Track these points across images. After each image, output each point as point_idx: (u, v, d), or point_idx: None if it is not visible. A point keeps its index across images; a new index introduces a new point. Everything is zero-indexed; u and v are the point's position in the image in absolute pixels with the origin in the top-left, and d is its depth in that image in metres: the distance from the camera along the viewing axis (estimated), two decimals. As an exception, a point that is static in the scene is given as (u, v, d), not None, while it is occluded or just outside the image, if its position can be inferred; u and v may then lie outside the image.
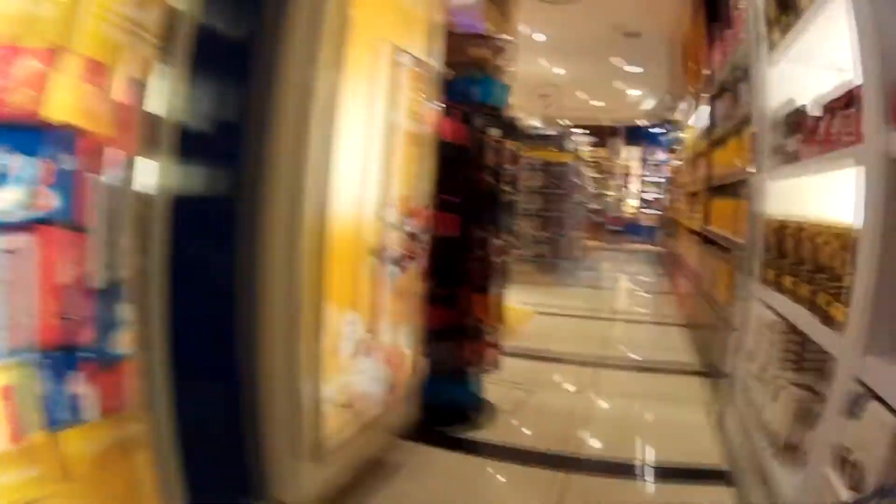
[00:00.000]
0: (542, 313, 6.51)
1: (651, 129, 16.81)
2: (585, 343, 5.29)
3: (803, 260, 1.96)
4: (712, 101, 5.51)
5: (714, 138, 5.28)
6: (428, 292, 2.95)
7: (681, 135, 8.12)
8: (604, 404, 3.88)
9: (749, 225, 2.93)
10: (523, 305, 6.61)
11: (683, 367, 4.68)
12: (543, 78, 11.73)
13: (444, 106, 2.98)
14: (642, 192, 17.17)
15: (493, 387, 3.58)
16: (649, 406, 3.78)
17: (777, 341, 2.14)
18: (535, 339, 5.29)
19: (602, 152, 17.53)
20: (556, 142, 8.80)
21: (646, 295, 8.25)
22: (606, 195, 15.52)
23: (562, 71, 12.72)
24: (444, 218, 3.07)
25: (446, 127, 3.03)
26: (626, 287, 8.87)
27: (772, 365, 2.18)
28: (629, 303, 7.55)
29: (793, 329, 2.04)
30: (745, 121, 3.52)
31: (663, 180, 15.64)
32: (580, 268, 10.60)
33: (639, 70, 12.33)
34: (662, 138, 16.66)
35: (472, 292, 3.27)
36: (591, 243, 14.70)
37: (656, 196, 16.73)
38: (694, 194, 7.07)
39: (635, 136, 17.42)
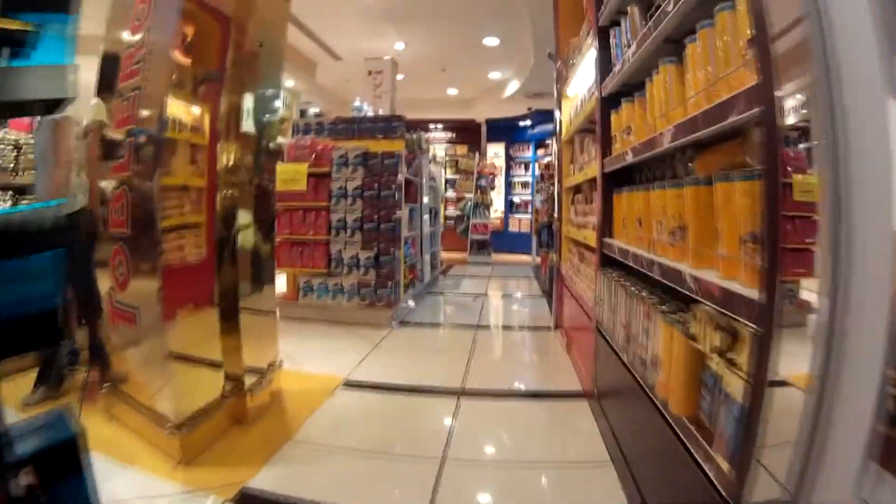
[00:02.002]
0: (350, 385, 4.16)
1: (517, 121, 14.95)
2: (410, 473, 2.93)
3: None
4: (602, 35, 3.45)
5: (614, 89, 3.18)
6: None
7: (556, 115, 6.03)
8: None
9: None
10: (320, 371, 4.28)
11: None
12: (376, 53, 9.42)
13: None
14: (510, 194, 15.30)
15: None
16: None
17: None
18: (305, 465, 2.91)
19: (460, 149, 15.46)
20: (383, 129, 6.46)
21: (522, 338, 6.04)
22: (467, 199, 13.42)
23: (400, 45, 10.42)
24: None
25: None
26: (493, 323, 6.64)
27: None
28: (496, 358, 5.30)
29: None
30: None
31: (533, 179, 13.80)
32: (430, 293, 8.33)
33: (495, 42, 10.26)
34: (530, 132, 14.87)
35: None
36: (450, 257, 12.56)
37: (526, 199, 14.93)
38: (577, 189, 4.98)
39: (499, 130, 15.50)
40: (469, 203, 13.16)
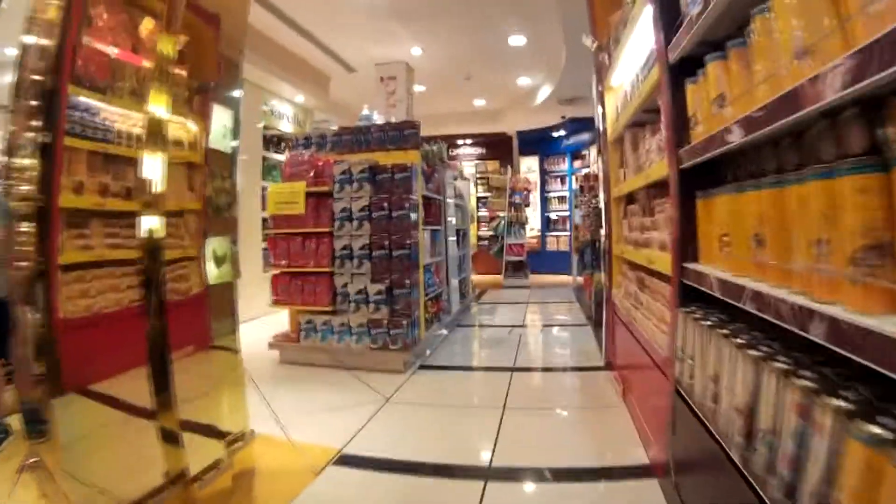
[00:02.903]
0: (346, 461, 3.25)
1: (551, 132, 13.96)
2: None
3: None
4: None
5: (689, 50, 2.22)
6: None
7: (598, 112, 5.09)
8: None
9: None
10: (311, 439, 3.36)
11: None
12: (391, 60, 8.58)
13: None
14: (546, 211, 14.29)
15: None
16: None
17: None
18: None
19: (491, 165, 14.50)
20: (394, 138, 5.56)
21: (567, 383, 5.02)
22: (499, 217, 12.44)
23: (417, 49, 9.55)
24: None
25: None
26: (532, 363, 5.62)
27: None
28: (535, 415, 4.25)
29: None
30: None
31: (571, 193, 12.79)
32: (460, 325, 7.35)
33: (522, 41, 9.32)
34: (565, 142, 13.87)
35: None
36: (483, 280, 11.58)
37: (564, 214, 13.89)
38: (630, 199, 4.04)
39: (531, 142, 14.51)
40: (502, 222, 12.19)
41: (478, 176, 14.34)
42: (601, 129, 5.00)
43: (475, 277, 11.74)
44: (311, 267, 5.35)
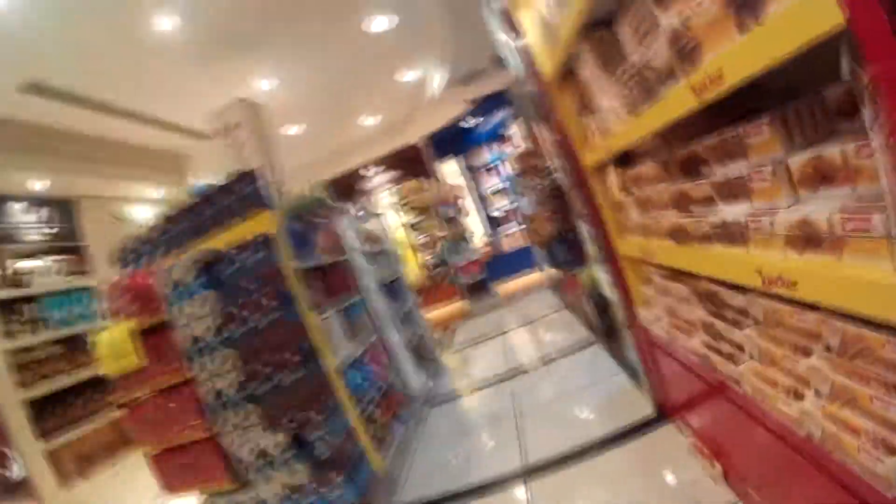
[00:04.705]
0: None
1: (462, 123, 12.24)
2: None
3: None
4: None
5: None
6: None
7: (514, 53, 3.34)
8: None
9: None
10: None
11: None
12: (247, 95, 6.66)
13: None
14: (487, 210, 12.56)
15: None
16: None
17: None
18: None
19: (412, 185, 12.60)
20: (231, 207, 3.69)
21: (614, 473, 3.14)
22: (441, 239, 10.65)
23: (265, 83, 7.63)
24: None
25: None
26: (548, 445, 3.72)
27: None
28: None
29: None
30: None
31: (511, 183, 11.07)
32: (433, 405, 5.45)
33: (387, 23, 7.42)
34: (482, 129, 12.16)
35: None
36: (446, 314, 9.75)
37: (510, 206, 12.23)
38: (623, 159, 2.27)
39: (444, 142, 12.71)
40: (443, 245, 10.40)
41: (403, 202, 12.49)
42: (528, 72, 3.21)
43: (435, 314, 9.89)
44: (183, 435, 3.45)
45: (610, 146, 2.44)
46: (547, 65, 2.92)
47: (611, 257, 3.03)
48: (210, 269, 3.36)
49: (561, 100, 2.95)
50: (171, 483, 3.69)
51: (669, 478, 2.64)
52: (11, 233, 5.81)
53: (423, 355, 6.23)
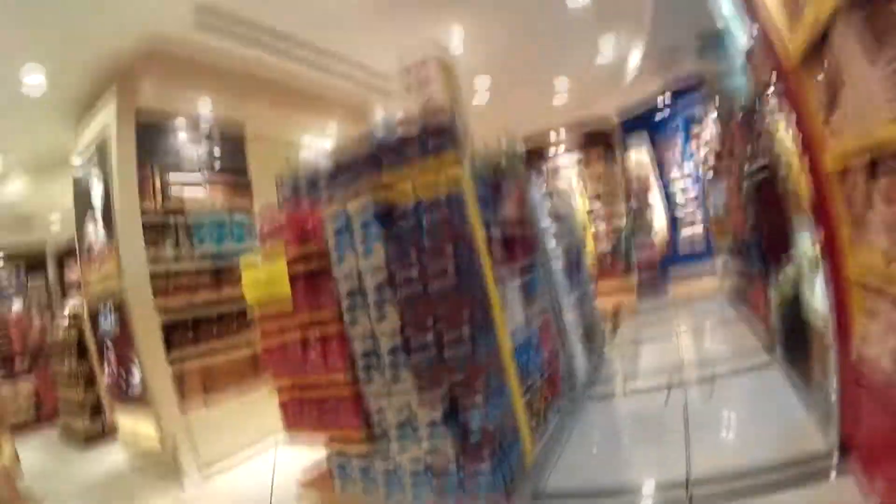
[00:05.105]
0: None
1: (655, 111, 11.48)
2: None
3: None
4: None
5: None
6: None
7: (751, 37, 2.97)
8: None
9: None
10: None
11: None
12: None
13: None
14: (671, 209, 11.75)
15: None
16: None
17: None
18: None
19: (595, 167, 12.02)
20: (417, 151, 3.48)
21: None
22: (619, 229, 10.17)
23: (456, 35, 7.29)
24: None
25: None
26: (718, 465, 3.29)
27: None
28: None
29: None
30: None
31: (699, 180, 10.31)
32: (591, 398, 5.15)
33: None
34: (677, 118, 11.34)
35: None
36: (612, 302, 9.24)
37: (690, 208, 11.38)
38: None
39: (634, 128, 11.91)
40: (623, 234, 9.90)
41: (585, 186, 11.96)
42: (759, 54, 2.81)
43: (602, 306, 9.47)
44: (322, 386, 3.47)
45: (866, 146, 2.03)
46: (787, 45, 2.52)
47: (835, 278, 2.59)
48: (386, 218, 3.24)
49: (800, 87, 2.54)
50: (297, 422, 3.68)
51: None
52: (177, 160, 5.77)
53: (591, 345, 5.92)
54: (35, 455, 6.67)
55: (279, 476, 4.61)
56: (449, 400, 3.07)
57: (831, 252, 2.57)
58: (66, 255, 10.71)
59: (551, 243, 5.11)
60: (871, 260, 2.20)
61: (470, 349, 3.01)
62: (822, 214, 2.59)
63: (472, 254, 3.18)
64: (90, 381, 6.67)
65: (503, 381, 3.24)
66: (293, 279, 3.44)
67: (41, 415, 8.54)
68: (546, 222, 5.16)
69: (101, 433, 6.68)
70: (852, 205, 2.37)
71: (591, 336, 6.08)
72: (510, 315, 3.67)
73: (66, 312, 7.21)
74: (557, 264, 5.18)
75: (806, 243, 2.95)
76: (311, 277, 3.47)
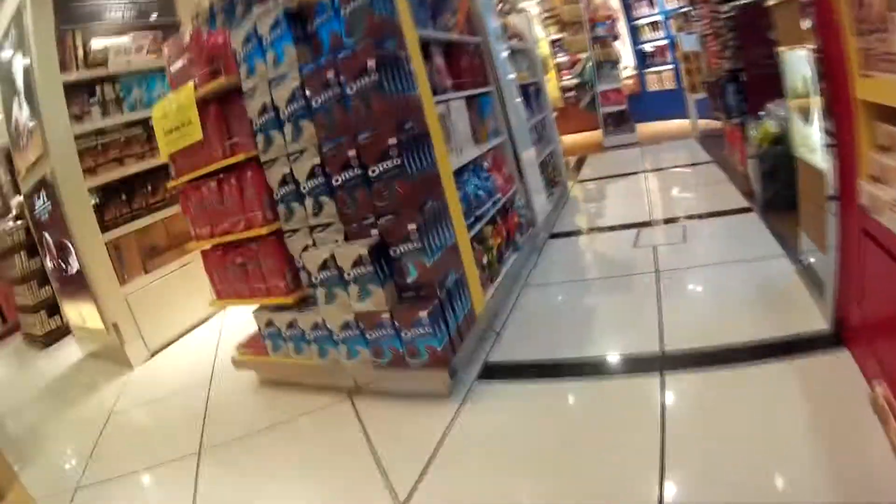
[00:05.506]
0: None
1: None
2: None
3: None
4: None
5: None
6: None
7: None
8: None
9: None
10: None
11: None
12: None
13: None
14: (638, 43, 10.99)
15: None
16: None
17: None
18: None
19: (554, -2, 11.07)
20: None
21: (769, 389, 2.10)
22: (583, 59, 9.47)
23: None
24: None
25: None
26: (690, 329, 2.78)
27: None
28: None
29: None
30: None
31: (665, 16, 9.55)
32: (554, 235, 4.70)
33: None
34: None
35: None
36: (576, 143, 8.74)
37: (662, 43, 10.69)
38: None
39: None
40: (588, 63, 9.21)
41: (545, 15, 11.14)
42: None
43: (566, 140, 8.90)
44: (240, 230, 2.91)
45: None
46: None
47: (840, 101, 1.94)
48: (294, 16, 2.57)
49: None
50: (224, 290, 3.27)
51: (835, 428, 1.77)
52: (95, 9, 4.85)
53: (549, 177, 5.39)
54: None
55: (226, 343, 4.24)
56: (376, 234, 2.52)
57: (834, 69, 1.92)
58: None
59: (504, 58, 4.44)
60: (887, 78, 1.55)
61: (399, 164, 2.42)
62: (822, 18, 1.93)
63: (400, 50, 2.54)
64: (44, 279, 6.16)
65: (441, 206, 2.67)
66: (202, 104, 2.84)
67: (7, 327, 7.96)
68: (498, 35, 4.45)
69: (59, 330, 6.25)
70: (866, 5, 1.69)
71: (551, 169, 5.58)
72: (453, 132, 3.09)
73: (14, 212, 6.57)
74: (512, 84, 4.54)
75: (800, 62, 2.32)
76: (225, 105, 2.89)
